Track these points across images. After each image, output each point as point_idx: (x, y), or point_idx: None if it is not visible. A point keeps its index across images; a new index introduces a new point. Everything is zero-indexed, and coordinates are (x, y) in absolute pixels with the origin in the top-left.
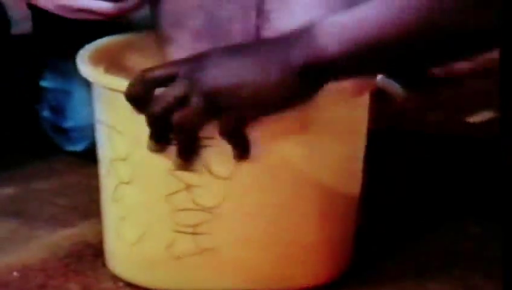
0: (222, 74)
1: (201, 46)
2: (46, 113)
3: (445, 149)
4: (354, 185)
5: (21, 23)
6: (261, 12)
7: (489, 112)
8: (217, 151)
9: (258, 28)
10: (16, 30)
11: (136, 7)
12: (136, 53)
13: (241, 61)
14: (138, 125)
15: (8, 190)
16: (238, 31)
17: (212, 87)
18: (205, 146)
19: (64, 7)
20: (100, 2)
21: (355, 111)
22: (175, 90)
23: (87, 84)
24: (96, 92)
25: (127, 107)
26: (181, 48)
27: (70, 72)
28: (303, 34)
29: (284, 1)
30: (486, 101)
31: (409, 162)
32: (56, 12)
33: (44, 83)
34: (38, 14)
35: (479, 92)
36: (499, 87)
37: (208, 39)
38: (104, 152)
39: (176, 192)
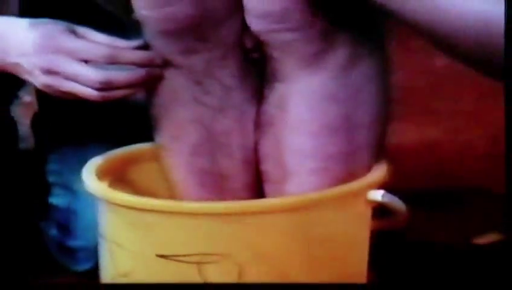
0: None
1: (200, 161)
2: (53, 232)
3: (453, 271)
4: None
5: (28, 138)
6: (258, 125)
7: (496, 234)
8: (217, 268)
9: (256, 142)
10: (23, 145)
11: (121, 97)
12: (141, 166)
13: None
14: (140, 242)
15: None
16: (236, 145)
17: None
18: (205, 263)
19: (48, 86)
20: (84, 88)
21: (355, 228)
22: None
23: (95, 202)
24: (100, 206)
25: (130, 222)
26: (180, 161)
27: (79, 189)
28: None
29: (280, 113)
30: (493, 222)
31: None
32: (41, 88)
33: (52, 200)
34: (40, 128)
35: (485, 213)
36: (503, 209)
37: (206, 153)
38: (106, 268)
39: None
